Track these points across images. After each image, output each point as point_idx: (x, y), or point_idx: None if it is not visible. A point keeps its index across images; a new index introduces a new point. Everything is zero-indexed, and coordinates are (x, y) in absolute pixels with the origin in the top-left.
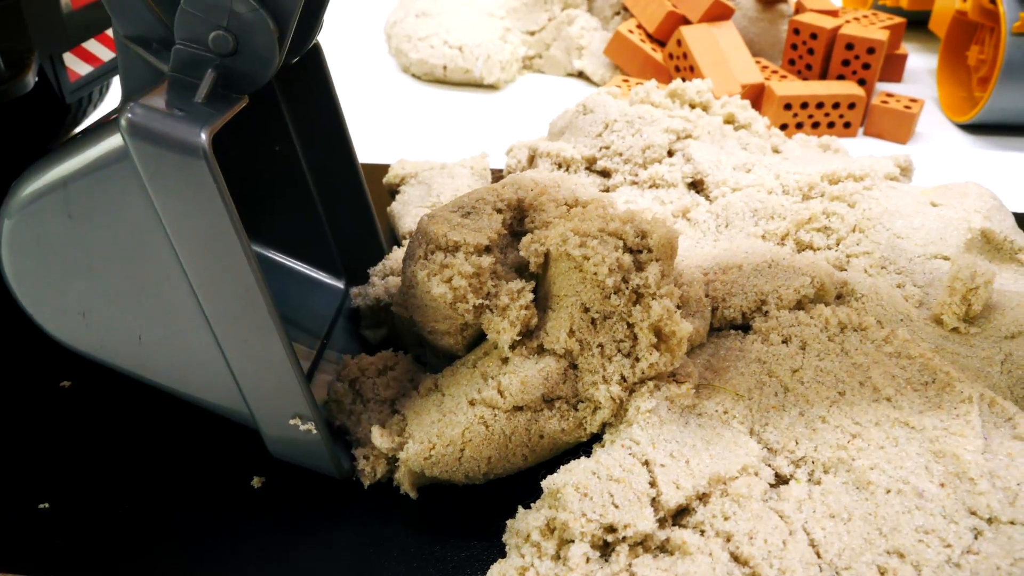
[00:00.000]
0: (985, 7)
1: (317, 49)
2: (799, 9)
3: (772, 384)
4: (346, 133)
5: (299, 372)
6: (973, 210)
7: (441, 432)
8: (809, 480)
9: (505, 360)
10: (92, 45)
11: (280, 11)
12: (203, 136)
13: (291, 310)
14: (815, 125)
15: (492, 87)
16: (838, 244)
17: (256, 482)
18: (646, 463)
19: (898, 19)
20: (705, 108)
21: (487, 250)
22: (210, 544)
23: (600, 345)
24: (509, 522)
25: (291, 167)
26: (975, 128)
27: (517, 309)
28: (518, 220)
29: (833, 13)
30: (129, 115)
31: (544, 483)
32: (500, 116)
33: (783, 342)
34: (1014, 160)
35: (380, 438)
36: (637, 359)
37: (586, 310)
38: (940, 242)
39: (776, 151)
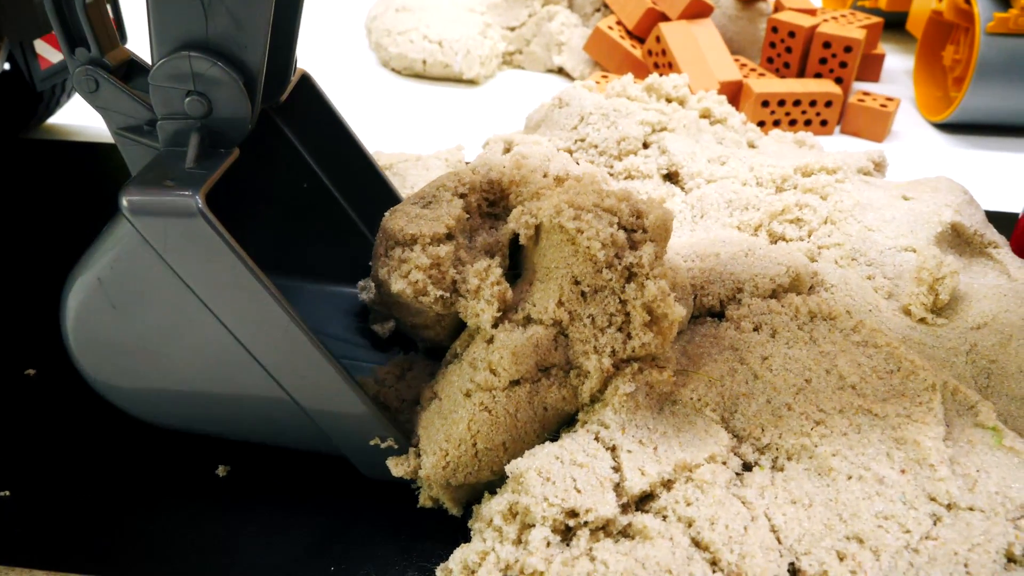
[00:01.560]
0: (960, 7)
1: (307, 79)
2: (778, 7)
3: (743, 371)
4: (362, 150)
5: (360, 394)
6: (944, 204)
7: (448, 435)
8: (773, 467)
9: (490, 340)
10: None
11: (244, 62)
12: (196, 197)
13: (354, 333)
14: (792, 123)
15: (471, 82)
16: (810, 236)
17: (221, 471)
18: (613, 448)
19: (875, 19)
20: (682, 103)
21: (448, 237)
22: (173, 532)
23: (591, 316)
24: (475, 507)
25: (324, 196)
26: (950, 127)
27: (490, 287)
28: (490, 202)
29: (811, 12)
30: (126, 198)
31: (508, 467)
32: (479, 111)
33: (754, 329)
34: (988, 159)
35: (396, 467)
36: (629, 336)
37: (576, 283)
38: (910, 235)
39: (752, 146)
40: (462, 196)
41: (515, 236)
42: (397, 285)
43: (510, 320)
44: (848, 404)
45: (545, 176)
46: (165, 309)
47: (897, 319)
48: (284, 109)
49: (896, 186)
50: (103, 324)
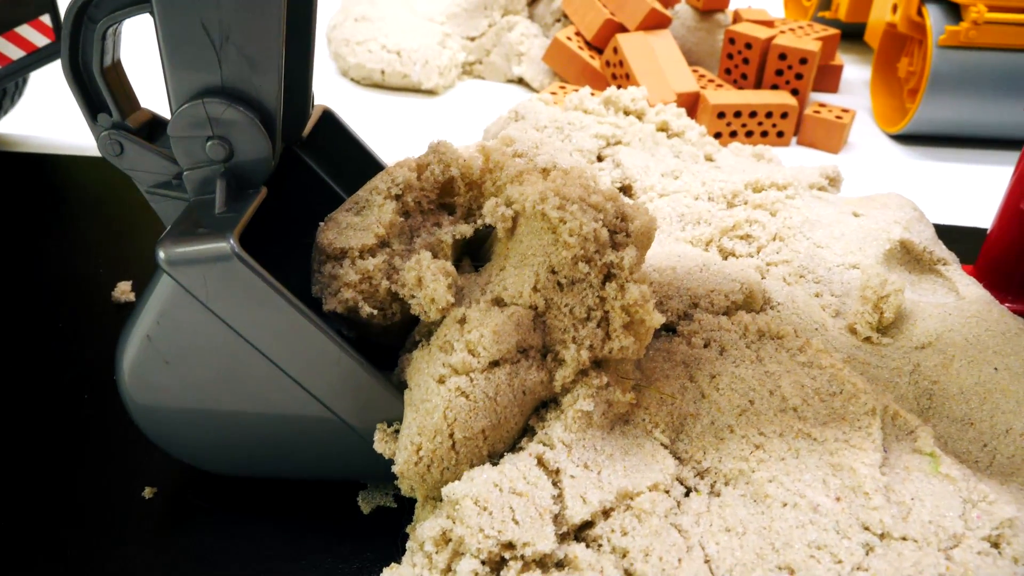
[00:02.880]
0: (913, 20)
1: (329, 114)
2: (736, 19)
3: (692, 389)
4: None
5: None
6: (893, 221)
7: (421, 426)
8: (711, 492)
9: (462, 320)
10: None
11: (260, 101)
12: (230, 239)
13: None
14: (748, 134)
15: (431, 92)
16: (759, 252)
17: (148, 493)
18: (556, 472)
19: (832, 31)
20: (639, 115)
21: (382, 245)
22: (98, 556)
23: (568, 306)
24: (409, 528)
25: None
26: (905, 138)
27: (431, 270)
28: (446, 192)
29: (769, 24)
30: (162, 252)
31: (445, 490)
32: (439, 121)
33: (705, 346)
34: (941, 170)
35: (381, 444)
36: (608, 336)
37: (553, 272)
38: (859, 252)
39: (709, 159)
40: (397, 197)
41: (476, 232)
42: (328, 304)
43: (481, 302)
44: (788, 427)
45: (527, 161)
46: (216, 356)
47: (843, 338)
48: (309, 145)
49: (847, 202)
50: (159, 382)
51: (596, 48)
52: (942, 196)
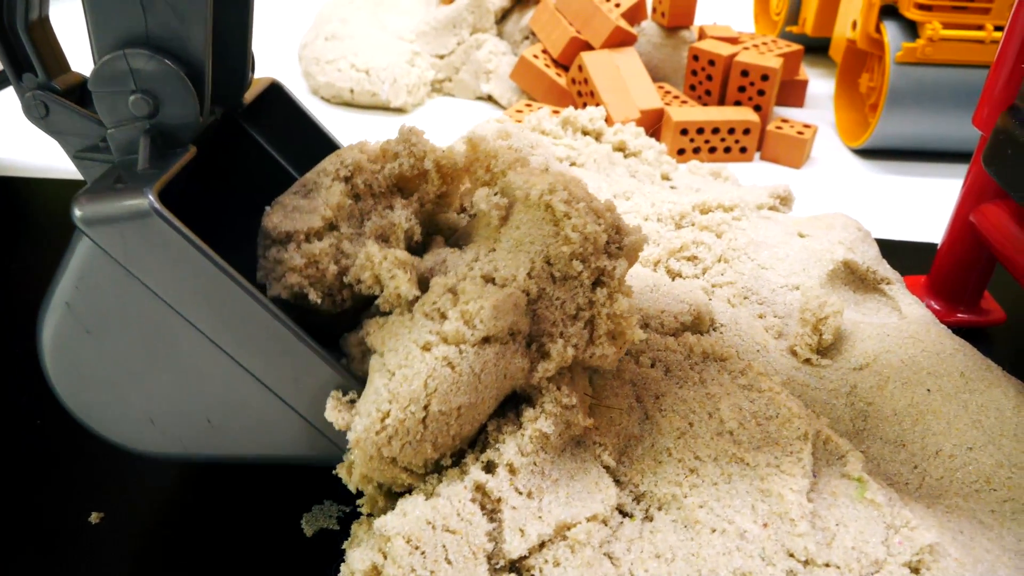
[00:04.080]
0: (872, 37)
1: (277, 86)
2: (701, 35)
3: (638, 410)
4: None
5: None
6: (837, 241)
7: (395, 393)
8: (645, 517)
9: (454, 291)
10: None
11: (186, 54)
12: (148, 195)
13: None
14: (712, 150)
15: (400, 110)
16: (704, 273)
17: (94, 518)
18: (498, 501)
19: (795, 47)
20: (597, 135)
21: (331, 228)
22: None
23: (560, 301)
24: (345, 561)
25: None
26: (867, 152)
27: (389, 271)
28: (404, 179)
29: (732, 40)
30: (77, 210)
31: (377, 523)
32: None
33: (652, 365)
34: (901, 183)
35: (334, 412)
36: (592, 340)
37: (549, 263)
38: (802, 273)
39: (666, 178)
40: (346, 179)
41: (431, 214)
42: (273, 290)
43: (471, 278)
44: (723, 452)
45: (520, 157)
46: (139, 324)
47: (784, 360)
48: (254, 117)
49: (794, 222)
50: (80, 351)
51: (563, 66)
52: (902, 209)
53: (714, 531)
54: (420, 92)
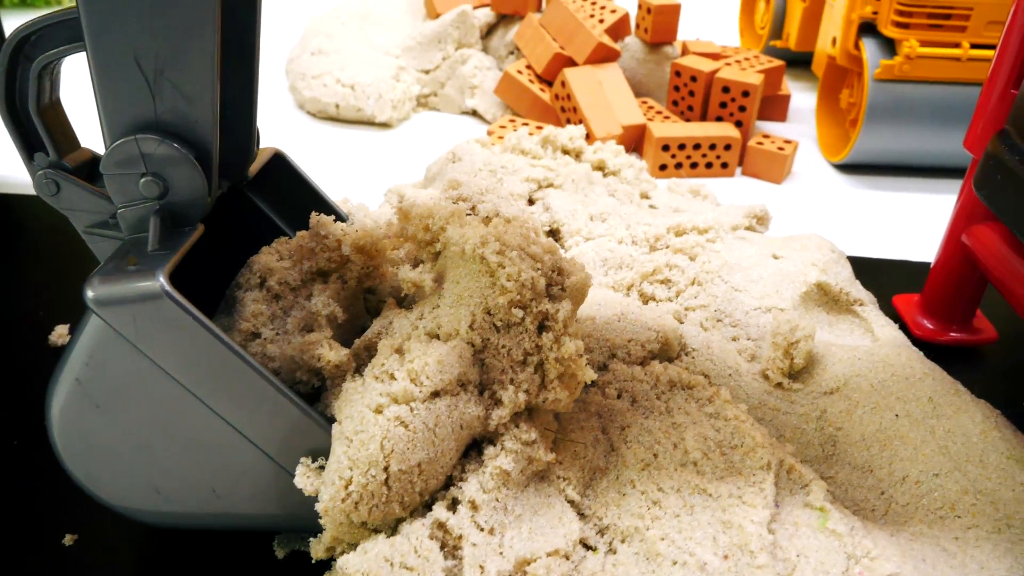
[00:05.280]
0: (851, 53)
1: (280, 157)
2: (684, 51)
3: (604, 442)
4: (343, 218)
5: None
6: (810, 263)
7: (354, 459)
8: (608, 550)
9: (400, 351)
10: None
11: (194, 137)
12: (160, 277)
13: None
14: (693, 165)
15: (385, 125)
16: (677, 296)
17: (68, 540)
18: (459, 538)
19: (777, 62)
20: (577, 154)
21: (253, 336)
22: None
23: (506, 348)
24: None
25: None
26: (848, 167)
27: (320, 358)
28: (324, 271)
29: (714, 56)
30: (90, 292)
31: (339, 561)
32: (394, 153)
33: (618, 396)
34: (880, 198)
35: (303, 479)
36: (543, 385)
37: (489, 313)
38: (775, 295)
39: (645, 196)
40: (260, 285)
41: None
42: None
43: (409, 337)
44: (686, 483)
45: (465, 206)
46: (149, 401)
47: (756, 384)
48: (258, 187)
49: (769, 243)
50: (89, 426)
51: (547, 81)
52: (882, 225)
53: (675, 563)
54: (405, 107)
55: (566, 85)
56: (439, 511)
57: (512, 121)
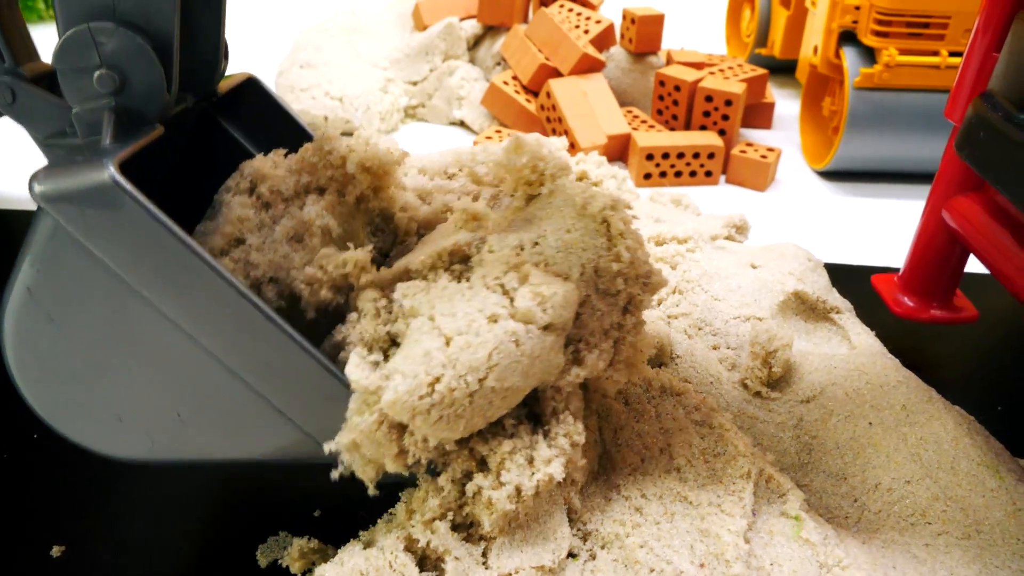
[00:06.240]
0: (832, 62)
1: (254, 81)
2: (669, 60)
3: (599, 445)
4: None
5: (342, 377)
6: (787, 272)
7: (453, 359)
8: (589, 556)
9: (519, 269)
10: None
11: (153, 27)
12: (109, 167)
13: None
14: (678, 174)
15: None
16: (659, 304)
17: (56, 551)
18: (443, 552)
19: (761, 71)
20: None
21: (237, 242)
22: None
23: (601, 312)
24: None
25: None
26: (831, 174)
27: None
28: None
29: (698, 66)
30: (36, 185)
31: (317, 571)
32: None
33: (614, 396)
34: (862, 204)
35: (358, 370)
36: (611, 363)
37: (597, 274)
38: (754, 304)
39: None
40: (250, 191)
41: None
42: None
43: (517, 268)
44: (668, 490)
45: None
46: (102, 310)
47: (736, 392)
48: (230, 110)
49: (748, 252)
50: (42, 343)
51: (532, 92)
52: (863, 232)
53: (653, 571)
54: (393, 118)
55: (551, 95)
56: (415, 528)
57: (499, 131)
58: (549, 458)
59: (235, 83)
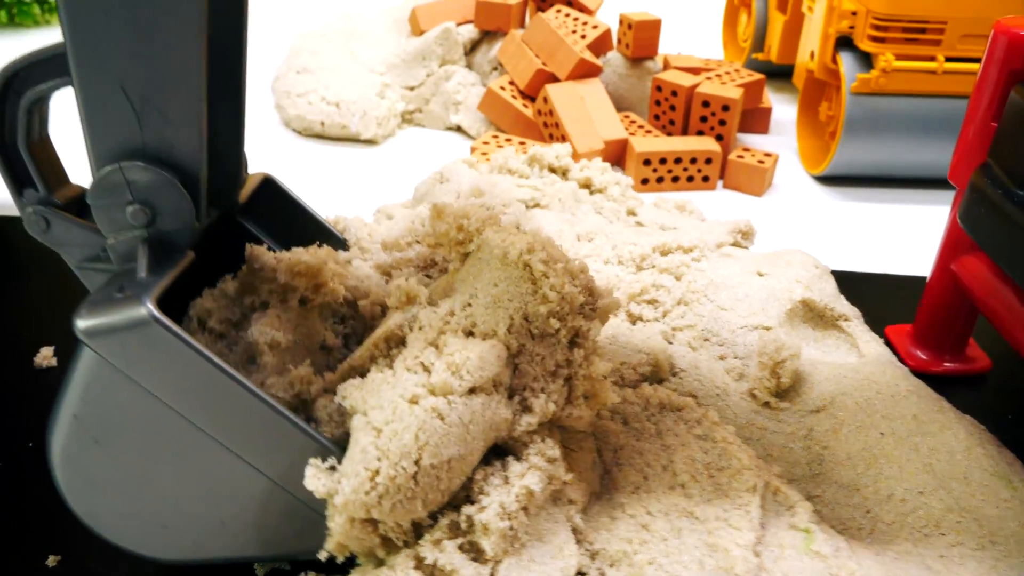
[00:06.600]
0: (829, 67)
1: (270, 181)
2: (666, 65)
3: (598, 466)
4: (338, 239)
5: None
6: (795, 280)
7: (384, 450)
8: (598, 575)
9: (436, 344)
10: None
11: (181, 163)
12: (147, 303)
13: None
14: (675, 179)
15: (370, 142)
16: (664, 316)
17: (51, 561)
18: (451, 572)
19: (758, 76)
20: (564, 172)
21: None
22: None
23: (541, 356)
24: None
25: None
26: (828, 179)
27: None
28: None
29: (695, 71)
30: (79, 322)
31: None
32: (380, 170)
33: (611, 417)
34: (859, 209)
35: (315, 479)
36: (569, 400)
37: (527, 320)
38: (761, 313)
39: (632, 214)
40: (201, 328)
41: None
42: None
43: (449, 330)
44: (674, 506)
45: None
46: (147, 432)
47: (744, 403)
48: (250, 212)
49: (754, 260)
50: (89, 462)
51: (529, 97)
52: (860, 237)
53: None
54: (390, 124)
55: (548, 101)
56: (426, 549)
57: (495, 137)
58: (522, 472)
59: (254, 186)
